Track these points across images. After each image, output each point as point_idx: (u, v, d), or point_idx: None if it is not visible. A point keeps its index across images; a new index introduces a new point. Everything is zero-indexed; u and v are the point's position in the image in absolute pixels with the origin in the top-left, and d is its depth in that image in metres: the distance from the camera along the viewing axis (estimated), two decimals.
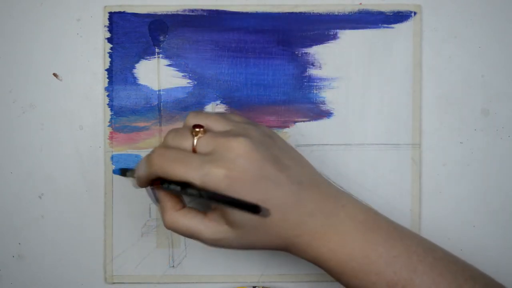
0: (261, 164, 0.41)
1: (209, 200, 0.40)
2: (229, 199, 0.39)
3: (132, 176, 0.45)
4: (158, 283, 0.52)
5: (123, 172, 0.48)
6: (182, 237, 0.51)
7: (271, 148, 0.42)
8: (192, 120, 0.44)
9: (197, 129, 0.42)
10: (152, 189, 0.45)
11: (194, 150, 0.42)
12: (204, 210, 0.44)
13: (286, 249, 0.43)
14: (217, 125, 0.43)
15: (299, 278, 0.51)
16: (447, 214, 0.51)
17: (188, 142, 0.42)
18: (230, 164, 0.40)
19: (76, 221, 0.51)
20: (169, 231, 0.51)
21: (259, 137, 0.43)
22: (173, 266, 0.51)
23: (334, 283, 0.51)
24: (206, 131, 0.42)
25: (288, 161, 0.43)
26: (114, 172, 0.51)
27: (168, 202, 0.43)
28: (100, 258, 0.51)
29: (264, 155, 0.41)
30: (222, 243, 0.42)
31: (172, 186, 0.41)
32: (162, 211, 0.44)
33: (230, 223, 0.42)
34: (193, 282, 0.51)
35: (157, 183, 0.43)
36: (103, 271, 0.51)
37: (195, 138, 0.42)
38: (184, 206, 0.44)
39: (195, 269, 0.51)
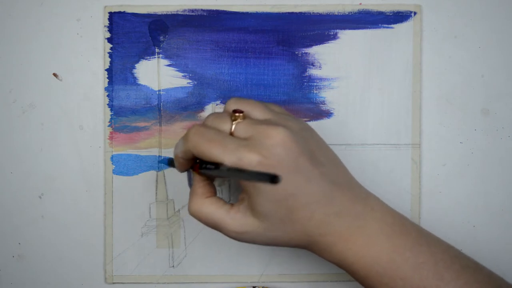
0: (297, 157, 0.40)
1: (228, 175, 0.40)
2: (246, 170, 0.38)
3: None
4: (158, 283, 0.52)
5: (170, 162, 0.48)
6: (182, 237, 0.51)
7: (308, 142, 0.42)
8: (233, 105, 0.43)
9: (236, 114, 0.42)
10: (190, 173, 0.45)
11: (232, 134, 0.41)
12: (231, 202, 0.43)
13: (309, 247, 0.43)
14: (257, 113, 0.43)
15: (299, 278, 0.51)
16: (447, 214, 0.51)
17: (227, 125, 0.42)
18: (265, 152, 0.40)
19: (76, 221, 0.51)
20: (170, 230, 0.51)
21: (298, 130, 0.42)
22: (173, 266, 0.51)
23: (334, 284, 0.51)
24: (245, 117, 0.42)
25: (323, 159, 0.42)
26: (163, 162, 0.51)
27: (200, 188, 0.43)
28: (100, 258, 0.51)
29: (301, 148, 0.41)
30: (246, 237, 0.42)
31: (209, 166, 0.41)
32: (191, 195, 0.43)
33: (256, 215, 0.41)
34: (193, 282, 0.51)
35: (196, 167, 0.43)
36: (103, 271, 0.51)
37: (234, 122, 0.42)
38: (214, 195, 0.43)
39: (195, 269, 0.51)
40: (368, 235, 0.41)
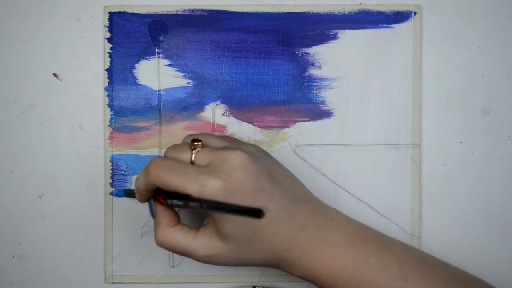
0: (257, 177, 0.42)
1: (210, 209, 0.40)
2: (229, 206, 0.39)
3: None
4: (158, 283, 0.52)
5: (128, 193, 0.50)
6: None
7: (265, 163, 0.43)
8: (190, 137, 0.45)
9: (195, 143, 0.43)
10: (152, 204, 0.45)
11: (192, 164, 0.43)
12: (198, 227, 0.44)
13: (277, 264, 0.44)
14: (214, 142, 0.45)
15: (299, 278, 0.51)
16: (447, 214, 0.51)
17: (187, 155, 0.43)
18: (226, 176, 0.41)
19: (76, 221, 0.51)
20: None
21: (255, 152, 0.44)
22: (173, 266, 0.51)
23: None
24: (204, 146, 0.43)
25: (281, 177, 0.44)
26: (118, 194, 0.51)
27: (164, 218, 0.44)
28: (100, 258, 0.51)
29: (260, 169, 0.42)
30: (214, 259, 0.43)
31: (175, 201, 0.42)
32: (156, 226, 0.44)
33: (222, 237, 0.42)
34: (193, 282, 0.51)
35: (159, 198, 0.44)
36: (103, 271, 0.51)
37: (194, 151, 0.43)
38: (178, 222, 0.44)
39: (195, 269, 0.51)
40: (332, 245, 0.43)
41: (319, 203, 0.45)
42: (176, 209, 0.45)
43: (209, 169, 0.41)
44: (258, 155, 0.44)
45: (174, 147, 0.44)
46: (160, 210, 0.44)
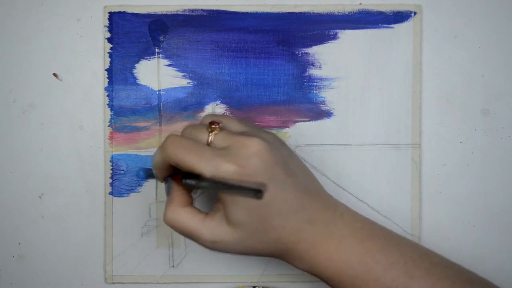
0: (272, 166, 0.41)
1: (215, 188, 0.40)
2: (231, 184, 0.39)
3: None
4: (158, 283, 0.52)
5: (148, 173, 0.49)
6: (182, 237, 0.51)
7: (281, 153, 0.43)
8: (209, 118, 0.45)
9: (213, 126, 0.43)
10: (169, 182, 0.45)
11: (208, 145, 0.42)
12: (205, 212, 0.44)
13: (282, 256, 0.43)
14: (233, 126, 0.44)
15: (299, 278, 0.51)
16: (447, 214, 0.51)
17: (204, 136, 0.43)
18: (242, 161, 0.40)
19: (76, 221, 0.51)
20: (170, 230, 0.51)
21: (272, 140, 0.43)
22: (173, 266, 0.51)
23: None
24: (222, 129, 0.43)
25: (296, 168, 0.43)
26: (139, 176, 0.51)
27: (177, 197, 0.43)
28: (100, 258, 0.51)
29: (275, 158, 0.42)
30: (221, 246, 0.42)
31: (189, 181, 0.41)
32: (166, 204, 0.44)
33: (231, 223, 0.42)
34: (193, 282, 0.51)
35: (177, 178, 0.43)
36: (103, 271, 0.51)
37: (211, 134, 0.42)
38: (190, 204, 0.44)
39: (195, 269, 0.51)
40: (339, 240, 0.42)
41: (329, 197, 0.45)
42: (192, 193, 0.45)
43: (225, 152, 0.41)
44: (275, 144, 0.43)
45: (193, 126, 0.44)
46: (175, 189, 0.44)
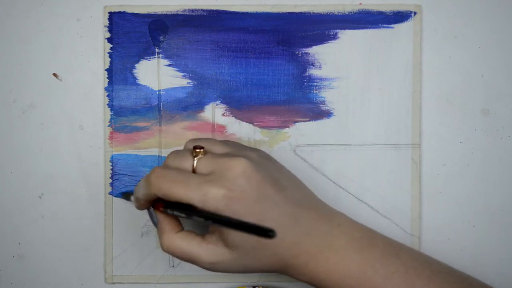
0: (260, 184, 0.41)
1: (216, 224, 0.40)
2: (238, 222, 0.38)
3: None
4: (158, 283, 0.51)
5: (126, 196, 0.49)
6: None
7: (269, 169, 0.43)
8: (192, 143, 0.45)
9: (197, 150, 0.43)
10: (152, 211, 0.45)
11: (194, 171, 0.42)
12: (202, 233, 0.44)
13: (283, 270, 0.43)
14: (217, 148, 0.44)
15: (305, 283, 0.51)
16: (447, 214, 0.51)
17: (188, 162, 0.43)
18: (229, 184, 0.40)
19: (76, 221, 0.51)
20: None
21: (258, 158, 0.43)
22: (173, 266, 0.51)
23: None
24: (206, 152, 0.43)
25: (285, 182, 0.43)
26: (115, 195, 0.51)
27: (167, 224, 0.44)
28: (100, 258, 0.51)
29: (263, 176, 0.42)
30: (220, 267, 0.43)
31: (177, 212, 0.41)
32: (160, 233, 0.44)
33: (228, 244, 0.42)
34: (193, 282, 0.51)
35: (159, 206, 0.43)
36: (103, 271, 0.51)
37: (195, 159, 0.42)
38: (182, 229, 0.44)
39: (195, 269, 0.51)
40: (338, 251, 0.42)
41: (325, 207, 0.45)
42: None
43: (211, 177, 0.41)
44: (262, 161, 0.43)
45: (176, 154, 0.44)
46: (162, 217, 0.44)
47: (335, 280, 0.42)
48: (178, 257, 0.43)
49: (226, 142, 0.46)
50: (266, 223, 0.41)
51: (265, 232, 0.36)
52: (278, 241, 0.42)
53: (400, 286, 0.42)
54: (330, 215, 0.44)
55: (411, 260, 0.43)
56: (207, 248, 0.42)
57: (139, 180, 0.51)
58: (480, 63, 0.51)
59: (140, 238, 0.51)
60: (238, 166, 0.41)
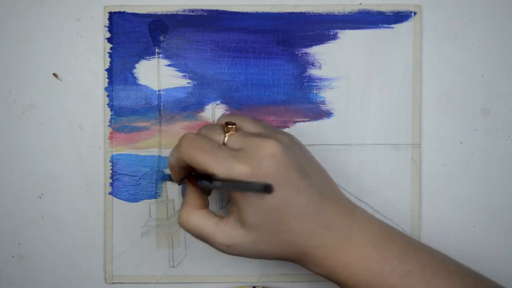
0: (286, 169, 0.41)
1: (223, 187, 0.40)
2: (238, 182, 0.39)
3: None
4: (158, 283, 0.52)
5: (166, 176, 0.50)
6: (182, 237, 0.51)
7: (297, 155, 0.42)
8: (225, 118, 0.45)
9: (229, 126, 0.43)
10: (184, 184, 0.45)
11: (223, 145, 0.42)
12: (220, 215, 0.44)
13: (299, 260, 0.43)
14: (249, 127, 0.44)
15: (299, 278, 0.51)
16: (447, 214, 0.51)
17: (219, 136, 0.43)
18: (256, 163, 0.40)
19: (76, 221, 0.51)
20: (170, 230, 0.51)
21: (288, 143, 0.43)
22: (173, 266, 0.51)
23: (334, 284, 0.51)
24: (237, 129, 0.43)
25: (311, 171, 0.43)
26: (164, 178, 0.51)
27: (192, 199, 0.44)
28: (100, 258, 0.51)
29: (291, 161, 0.41)
30: (235, 249, 0.42)
31: (203, 182, 0.42)
32: (182, 206, 0.44)
33: (246, 226, 0.41)
34: (193, 282, 0.51)
35: (192, 179, 0.43)
36: (103, 271, 0.51)
37: (227, 134, 0.42)
38: (206, 207, 0.44)
39: (195, 269, 0.51)
40: (357, 246, 0.42)
41: (347, 202, 0.44)
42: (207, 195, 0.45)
43: (239, 153, 0.41)
44: (292, 146, 0.43)
45: (209, 126, 0.44)
46: (191, 191, 0.44)
47: (351, 274, 0.42)
48: (192, 233, 0.43)
49: (259, 122, 0.45)
50: (287, 210, 0.40)
51: (262, 187, 0.36)
52: (298, 230, 0.41)
53: (416, 284, 0.41)
54: (351, 209, 0.43)
55: (429, 258, 0.42)
56: (223, 229, 0.42)
57: (137, 180, 0.51)
58: (480, 63, 0.51)
59: (140, 238, 0.51)
60: (268, 148, 0.41)
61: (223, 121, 0.44)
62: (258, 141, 0.41)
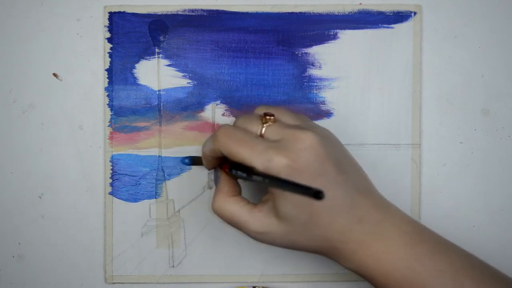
0: (324, 162, 0.41)
1: (271, 185, 0.40)
2: (290, 183, 0.38)
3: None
4: (158, 283, 0.52)
5: (194, 160, 0.50)
6: (182, 237, 0.51)
7: (335, 149, 0.43)
8: (263, 109, 0.45)
9: (267, 117, 0.43)
10: (216, 171, 0.45)
11: (261, 137, 0.42)
12: (254, 202, 0.44)
13: (328, 253, 0.43)
14: (287, 118, 0.44)
15: (299, 278, 0.51)
16: (447, 214, 0.51)
17: (257, 127, 0.43)
18: (294, 155, 0.40)
19: (76, 221, 0.51)
20: (170, 230, 0.51)
21: (326, 136, 0.43)
22: (173, 266, 0.51)
23: (334, 284, 0.51)
24: (275, 121, 0.43)
25: (348, 166, 0.43)
26: (184, 162, 0.51)
27: (225, 186, 0.44)
28: (100, 258, 0.51)
29: (328, 154, 0.41)
30: (267, 237, 0.42)
31: (239, 173, 0.41)
32: (215, 192, 0.44)
33: (279, 216, 0.41)
34: (193, 282, 0.51)
35: (225, 167, 0.43)
36: (103, 271, 0.51)
37: (265, 125, 0.42)
38: (238, 194, 0.44)
39: (195, 269, 0.51)
40: (388, 243, 0.42)
41: (381, 198, 0.44)
42: (240, 182, 0.45)
43: (278, 145, 0.41)
44: (329, 140, 0.43)
45: (246, 117, 0.44)
46: (224, 178, 0.44)
47: (382, 271, 0.41)
48: (226, 219, 0.43)
49: (296, 115, 0.45)
50: (322, 202, 0.40)
51: (315, 193, 0.35)
52: (330, 224, 0.41)
53: (447, 285, 0.41)
54: (384, 206, 0.43)
55: (461, 260, 0.42)
56: (257, 217, 0.42)
57: (137, 180, 0.51)
58: (480, 63, 0.51)
59: (140, 238, 0.51)
60: (307, 140, 0.41)
61: (260, 112, 0.44)
62: (297, 133, 0.41)
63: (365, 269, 0.42)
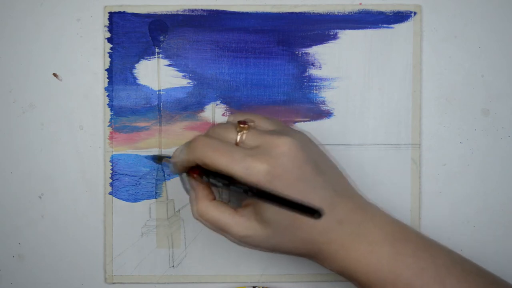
0: (302, 166, 0.41)
1: (255, 197, 0.39)
2: (283, 198, 0.37)
3: (168, 161, 0.45)
4: (158, 283, 0.52)
5: (158, 158, 0.49)
6: (182, 237, 0.51)
7: (312, 152, 0.43)
8: (237, 117, 0.45)
9: (242, 125, 0.42)
10: (185, 176, 0.45)
11: (237, 145, 0.42)
12: (233, 206, 0.44)
13: (313, 256, 0.43)
14: (262, 124, 0.44)
15: (299, 278, 0.51)
16: (447, 214, 0.51)
17: (232, 135, 0.42)
18: (273, 161, 0.40)
19: (76, 221, 0.51)
20: (170, 230, 0.51)
21: (303, 139, 0.43)
22: (173, 266, 0.51)
23: (334, 284, 0.51)
24: (250, 128, 0.43)
25: (325, 168, 0.43)
26: (146, 158, 0.51)
27: (202, 191, 0.43)
28: (100, 258, 0.51)
29: (306, 157, 0.41)
30: (250, 241, 0.42)
31: (214, 181, 0.41)
32: (194, 199, 0.43)
33: (262, 220, 0.41)
34: (193, 282, 0.51)
35: (195, 172, 0.43)
36: (103, 271, 0.51)
37: (240, 133, 0.42)
38: (215, 198, 0.44)
39: (195, 269, 0.51)
40: (370, 243, 0.42)
41: (360, 198, 0.44)
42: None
43: (255, 152, 0.41)
44: (306, 143, 0.43)
45: (220, 125, 0.43)
46: (196, 184, 0.44)
47: (364, 271, 0.42)
48: (209, 225, 0.43)
49: (271, 119, 0.45)
50: None
51: (312, 211, 0.34)
52: (312, 225, 0.41)
53: (429, 283, 0.41)
54: (364, 206, 0.43)
55: (443, 257, 0.42)
56: (239, 221, 0.42)
57: (137, 180, 0.51)
58: (480, 63, 0.51)
59: (140, 238, 0.51)
60: (284, 145, 0.41)
61: (234, 120, 0.44)
62: (274, 139, 0.41)
63: (348, 270, 0.42)
